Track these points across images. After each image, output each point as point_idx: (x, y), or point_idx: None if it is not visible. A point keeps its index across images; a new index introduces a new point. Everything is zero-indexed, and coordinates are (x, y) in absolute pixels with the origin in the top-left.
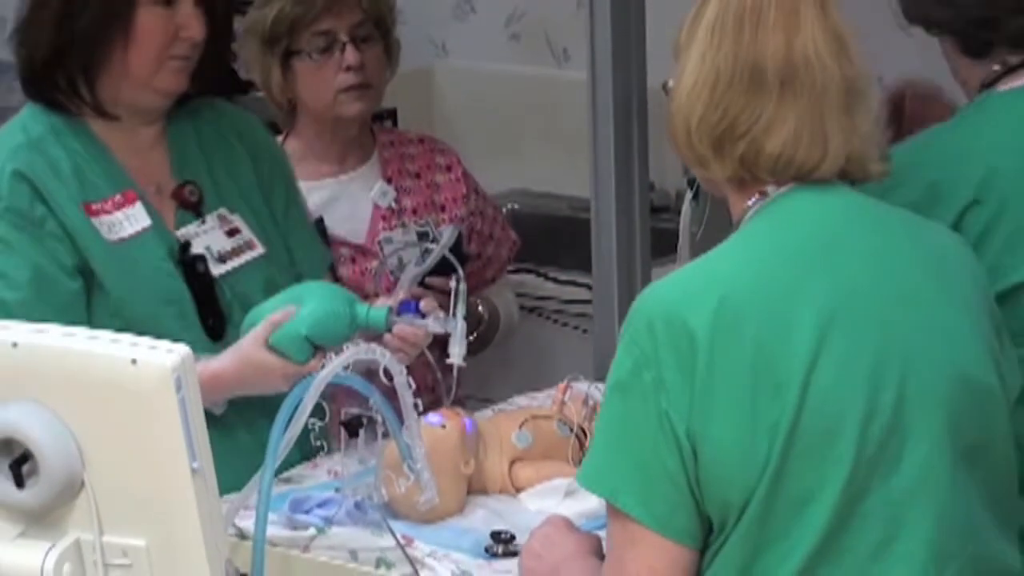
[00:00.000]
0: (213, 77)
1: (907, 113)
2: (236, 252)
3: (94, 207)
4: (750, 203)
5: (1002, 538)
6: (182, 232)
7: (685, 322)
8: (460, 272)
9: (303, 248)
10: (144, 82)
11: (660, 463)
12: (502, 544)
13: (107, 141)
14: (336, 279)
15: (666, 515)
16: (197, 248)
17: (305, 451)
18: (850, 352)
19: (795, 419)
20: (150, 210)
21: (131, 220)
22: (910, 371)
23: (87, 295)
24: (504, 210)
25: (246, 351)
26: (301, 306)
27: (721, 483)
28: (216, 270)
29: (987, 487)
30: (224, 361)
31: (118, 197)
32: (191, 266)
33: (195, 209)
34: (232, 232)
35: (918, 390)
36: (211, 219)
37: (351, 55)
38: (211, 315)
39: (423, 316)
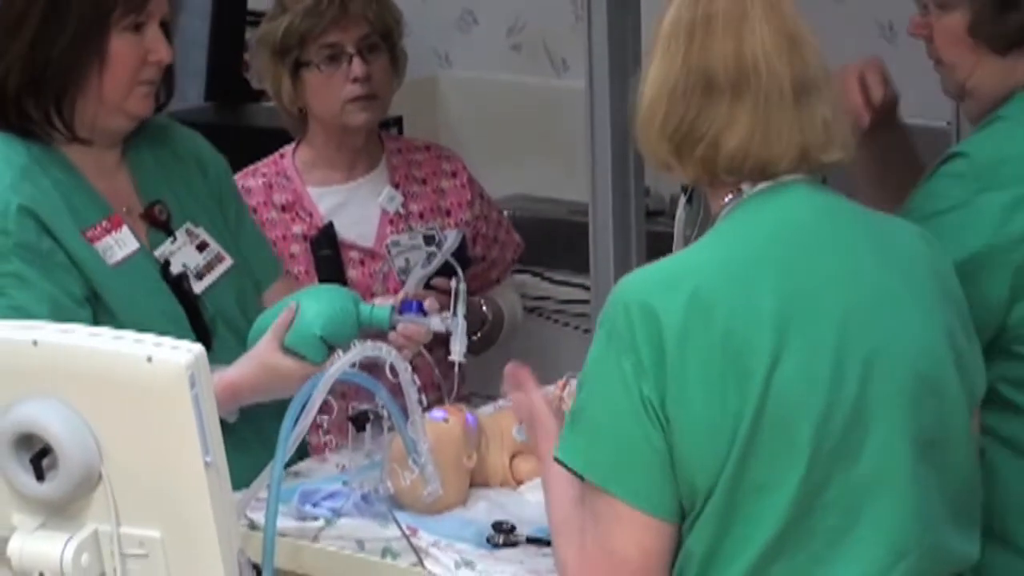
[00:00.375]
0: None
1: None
2: (209, 267)
3: (88, 234)
4: (725, 201)
5: (959, 532)
6: (159, 252)
7: (659, 311)
8: (460, 274)
9: (255, 253)
10: (117, 107)
11: (645, 443)
12: (503, 534)
13: (80, 167)
14: (347, 281)
15: (652, 494)
16: (175, 266)
17: (300, 450)
18: (813, 346)
19: (759, 408)
20: (133, 233)
21: (120, 244)
22: (872, 366)
23: (95, 321)
24: (505, 214)
25: (263, 357)
26: (307, 306)
27: (690, 467)
28: (197, 287)
29: (946, 482)
30: (241, 369)
31: (105, 223)
32: (177, 285)
33: (165, 227)
34: (201, 246)
35: (879, 385)
36: (181, 235)
37: (358, 67)
38: (198, 330)
39: (425, 315)
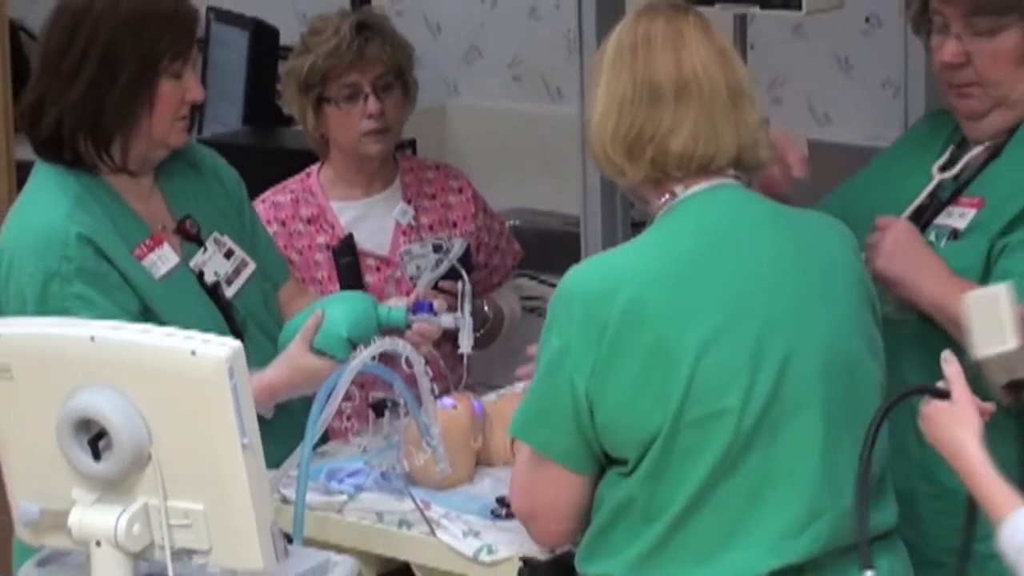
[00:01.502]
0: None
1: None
2: (236, 272)
3: (136, 253)
4: (661, 202)
5: (872, 500)
6: (193, 263)
7: (598, 310)
8: (465, 277)
9: (269, 256)
10: (161, 141)
11: (563, 411)
12: (506, 508)
13: (122, 192)
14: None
15: (572, 453)
16: (208, 275)
17: (325, 434)
18: (734, 339)
19: (684, 396)
20: (171, 248)
21: (163, 260)
22: (789, 354)
23: None
24: (506, 225)
25: (295, 359)
26: (332, 311)
27: (618, 438)
28: (228, 292)
29: (855, 452)
30: (276, 371)
31: (148, 241)
32: (213, 291)
33: (196, 239)
34: (228, 254)
35: (797, 370)
36: (210, 245)
37: (373, 105)
38: (233, 330)
39: (435, 314)
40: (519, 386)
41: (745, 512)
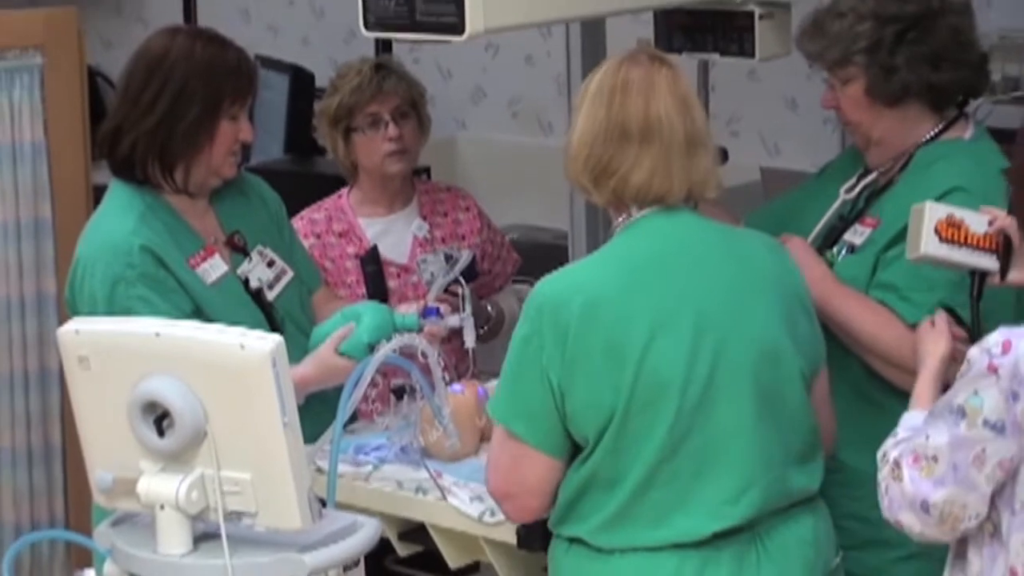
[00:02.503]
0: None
1: None
2: (277, 279)
3: (191, 262)
4: (619, 220)
5: (791, 467)
6: (240, 271)
7: (561, 315)
8: (464, 284)
9: (304, 266)
10: (216, 171)
11: (541, 402)
12: None
13: (180, 210)
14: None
15: (544, 436)
16: (253, 281)
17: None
18: (674, 337)
19: (633, 383)
20: (222, 258)
21: (214, 268)
22: (721, 349)
23: None
24: (507, 238)
25: (324, 359)
26: (361, 319)
27: (582, 422)
28: (269, 295)
29: (782, 430)
30: (307, 368)
31: (202, 252)
32: (257, 295)
33: (243, 251)
34: (270, 263)
35: (728, 363)
36: (255, 256)
37: (392, 130)
38: (274, 328)
39: (442, 317)
40: None
41: (691, 483)
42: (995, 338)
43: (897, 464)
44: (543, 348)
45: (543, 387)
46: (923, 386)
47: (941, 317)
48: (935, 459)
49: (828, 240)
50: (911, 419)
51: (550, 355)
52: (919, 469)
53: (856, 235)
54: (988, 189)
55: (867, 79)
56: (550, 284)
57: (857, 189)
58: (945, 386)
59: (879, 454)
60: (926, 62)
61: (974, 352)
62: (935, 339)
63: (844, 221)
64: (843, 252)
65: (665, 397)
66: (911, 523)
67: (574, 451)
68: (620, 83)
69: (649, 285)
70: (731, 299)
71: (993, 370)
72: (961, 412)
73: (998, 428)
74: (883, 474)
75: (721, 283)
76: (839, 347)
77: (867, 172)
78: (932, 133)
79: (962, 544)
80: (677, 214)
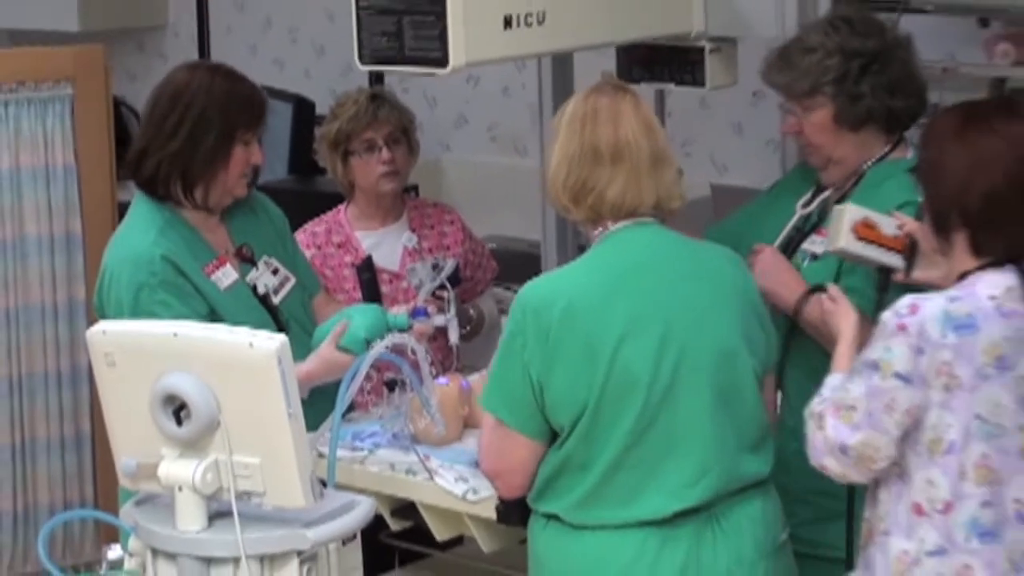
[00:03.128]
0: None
1: None
2: (281, 285)
3: (206, 270)
4: (596, 234)
5: (745, 454)
6: (248, 278)
7: (543, 316)
8: (450, 289)
9: (305, 273)
10: (229, 191)
11: (523, 392)
12: None
13: (195, 224)
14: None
15: (526, 422)
16: (260, 287)
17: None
18: (643, 338)
19: (606, 379)
20: (233, 267)
21: (226, 276)
22: (684, 350)
23: None
24: (487, 247)
25: (324, 356)
26: (355, 319)
27: (559, 411)
28: (275, 299)
29: (736, 423)
30: (310, 364)
31: (216, 262)
32: (264, 300)
33: (251, 261)
34: (275, 272)
35: (690, 363)
36: (261, 265)
37: (385, 154)
38: (279, 328)
39: (429, 316)
40: None
41: (655, 467)
42: (904, 301)
43: (821, 416)
44: (526, 345)
45: (525, 380)
46: (842, 353)
47: (838, 294)
48: (853, 408)
49: (787, 250)
50: (833, 380)
51: (532, 351)
52: (839, 418)
53: (815, 245)
54: None
55: (835, 107)
56: (534, 288)
57: (814, 204)
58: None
59: (806, 412)
60: (885, 91)
61: (887, 315)
62: (843, 313)
63: (801, 233)
64: (806, 260)
65: (633, 392)
66: (833, 466)
67: (554, 436)
68: (590, 111)
69: (622, 292)
70: (694, 306)
71: (902, 328)
72: (875, 366)
73: (906, 379)
74: (810, 427)
75: (686, 291)
76: (812, 342)
77: (821, 189)
78: (881, 154)
79: (875, 486)
80: (647, 228)
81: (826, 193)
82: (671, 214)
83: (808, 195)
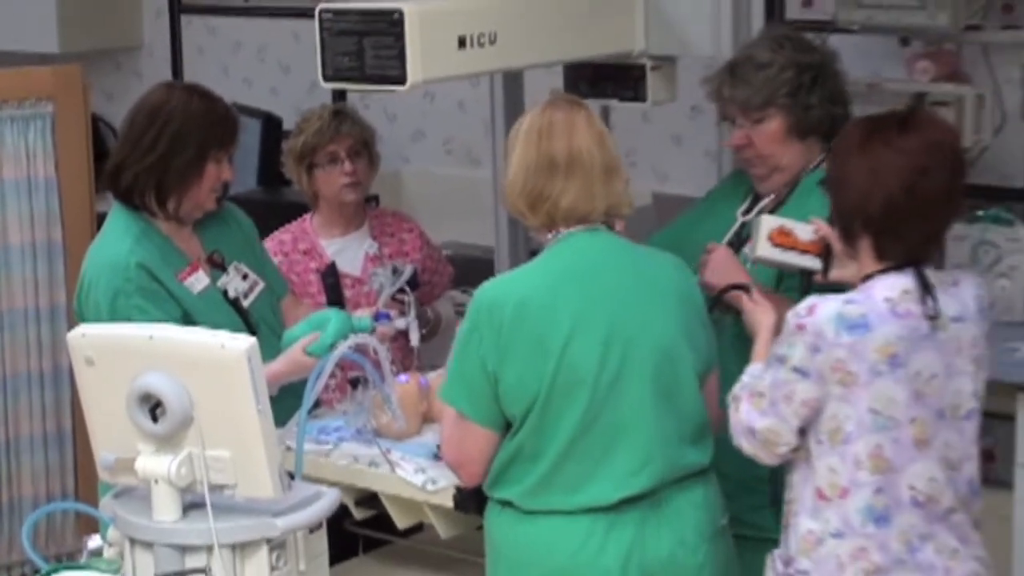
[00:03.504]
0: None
1: None
2: (251, 289)
3: (179, 276)
4: (548, 238)
5: (686, 445)
6: (220, 283)
7: (497, 313)
8: (410, 293)
9: (274, 277)
10: (200, 204)
11: (480, 385)
12: None
13: (169, 233)
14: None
15: (483, 413)
16: (231, 292)
17: (316, 402)
18: (590, 335)
19: (554, 373)
20: (205, 273)
21: (199, 281)
22: (628, 347)
23: None
24: (443, 253)
25: (293, 358)
26: (323, 326)
27: (512, 402)
28: (245, 303)
29: (678, 416)
30: (279, 364)
31: (188, 268)
32: (234, 303)
33: (221, 267)
34: (244, 276)
35: (634, 360)
36: (232, 271)
37: (347, 166)
38: (249, 330)
39: (391, 319)
40: None
41: (602, 457)
42: (804, 303)
43: (737, 399)
44: (481, 341)
45: (481, 372)
46: (761, 346)
47: (758, 293)
48: (762, 395)
49: None
50: (752, 368)
51: (487, 347)
52: (752, 403)
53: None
54: None
55: (788, 117)
56: (489, 288)
57: (753, 213)
58: None
59: (729, 396)
60: (830, 101)
61: (789, 315)
62: (762, 311)
63: (740, 239)
64: (747, 263)
65: (580, 386)
66: (746, 447)
67: (509, 427)
68: (546, 124)
69: (571, 292)
70: (639, 307)
71: (801, 328)
72: (781, 360)
73: (804, 373)
74: (730, 409)
75: (631, 293)
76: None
77: (759, 197)
78: (817, 161)
79: (789, 471)
80: (596, 234)
81: (764, 201)
82: (621, 220)
83: (747, 203)
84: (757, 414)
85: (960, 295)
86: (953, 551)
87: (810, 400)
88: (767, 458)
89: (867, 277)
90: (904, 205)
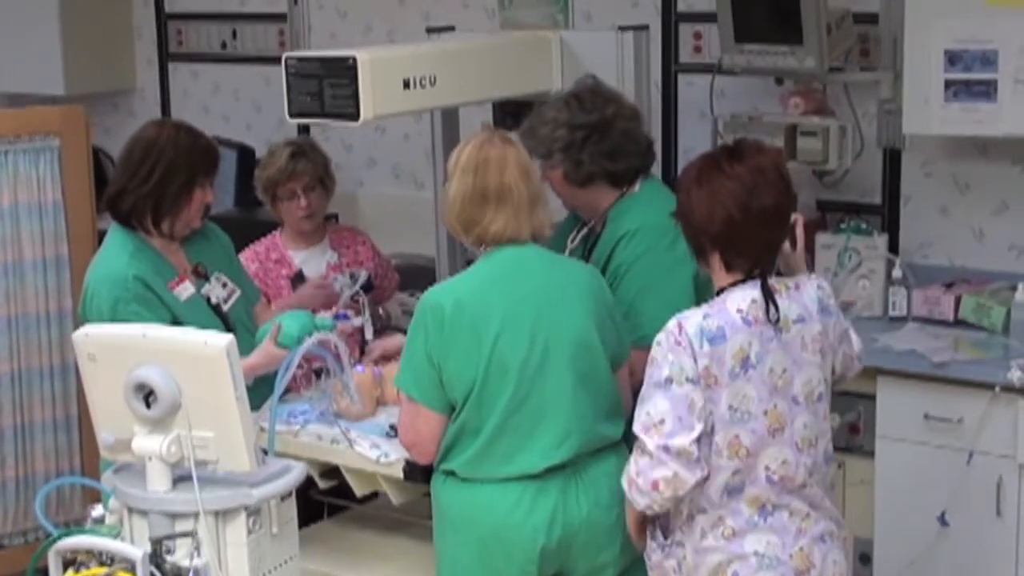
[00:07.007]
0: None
1: None
2: (229, 296)
3: (169, 286)
4: (482, 249)
5: (601, 421)
6: (203, 291)
7: (439, 311)
8: (363, 297)
9: (248, 287)
10: (189, 224)
11: (428, 374)
12: (394, 430)
13: (160, 249)
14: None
15: (431, 397)
16: (213, 298)
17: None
18: (517, 328)
19: (488, 361)
20: (191, 283)
21: (185, 290)
22: (549, 339)
23: None
24: (392, 262)
25: (266, 350)
26: (289, 322)
27: (453, 388)
28: (224, 307)
29: (593, 396)
30: (253, 358)
31: (177, 279)
32: (216, 308)
33: (204, 277)
34: (224, 285)
35: (555, 349)
36: (213, 280)
37: (303, 201)
38: (229, 330)
39: (349, 319)
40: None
41: (529, 433)
42: (671, 323)
43: (640, 446)
44: (427, 335)
45: (428, 363)
46: None
47: None
48: (662, 422)
49: None
50: (638, 416)
51: (432, 340)
52: (654, 436)
53: None
54: (658, 218)
55: (564, 168)
56: (432, 293)
57: (577, 239)
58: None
59: (624, 478)
60: (606, 157)
61: (660, 336)
62: None
63: (584, 248)
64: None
65: (510, 372)
66: (664, 476)
67: (453, 410)
68: (482, 160)
69: (501, 294)
70: (558, 305)
71: (680, 343)
72: (668, 380)
73: (694, 381)
74: (629, 467)
75: (551, 294)
76: None
77: (583, 226)
78: (614, 199)
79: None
80: (524, 246)
81: (584, 230)
82: (542, 240)
83: (575, 232)
84: (664, 438)
85: (801, 298)
86: (805, 515)
87: (704, 402)
88: (687, 471)
89: (720, 291)
90: (741, 221)
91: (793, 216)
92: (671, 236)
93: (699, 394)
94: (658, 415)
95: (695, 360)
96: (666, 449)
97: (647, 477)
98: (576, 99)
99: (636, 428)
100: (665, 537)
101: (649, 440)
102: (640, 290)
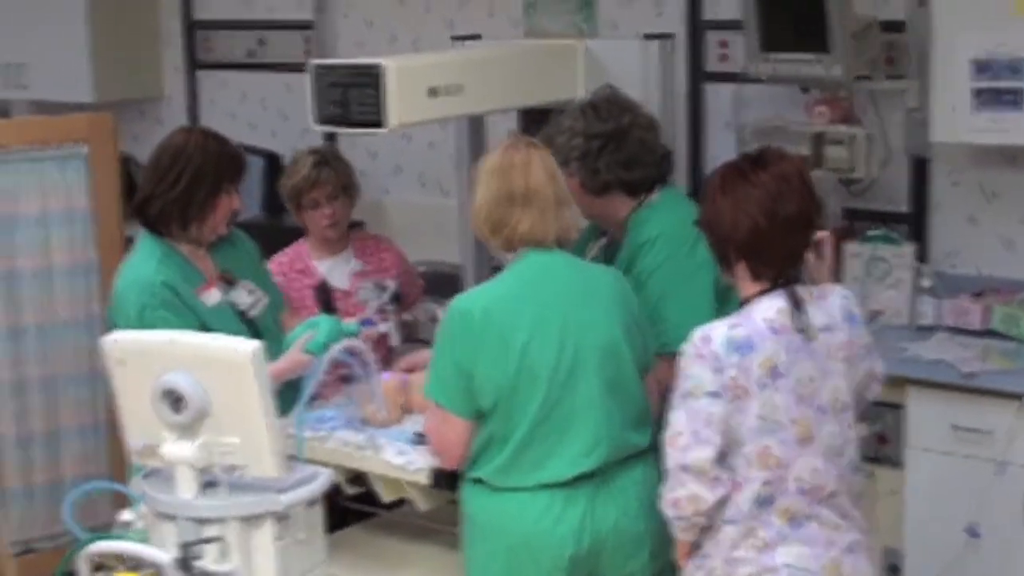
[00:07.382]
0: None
1: None
2: (256, 303)
3: (196, 291)
4: (509, 257)
5: (629, 429)
6: (230, 298)
7: (468, 319)
8: (391, 304)
9: (274, 294)
10: (215, 230)
11: (456, 381)
12: (421, 437)
13: (187, 255)
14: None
15: (458, 404)
16: (239, 305)
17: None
18: (546, 335)
19: (518, 368)
20: (218, 289)
21: (212, 296)
22: (579, 344)
23: None
24: (418, 269)
25: (293, 356)
26: (318, 329)
27: (482, 395)
28: (251, 314)
29: (622, 404)
30: (281, 364)
31: (204, 285)
32: (243, 315)
33: (231, 283)
34: (251, 292)
35: (583, 357)
36: (240, 286)
37: (327, 210)
38: (255, 338)
39: (375, 325)
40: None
41: (559, 440)
42: (696, 334)
43: (665, 461)
44: (455, 343)
45: (456, 371)
46: None
47: None
48: (679, 435)
49: None
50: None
51: (460, 348)
52: (674, 449)
53: None
54: (678, 225)
55: (580, 177)
56: (462, 299)
57: (596, 250)
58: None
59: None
60: (621, 166)
61: (686, 347)
62: None
63: (605, 255)
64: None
65: (539, 379)
66: (690, 495)
67: (480, 416)
68: (507, 163)
69: (529, 301)
70: (585, 312)
71: (702, 356)
72: (688, 393)
73: (715, 394)
74: (666, 495)
75: (578, 301)
76: None
77: (603, 235)
78: (632, 207)
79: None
80: (549, 253)
81: (604, 240)
82: (568, 244)
83: (595, 241)
84: (681, 453)
85: (827, 307)
86: (836, 525)
87: (725, 416)
88: (706, 490)
89: (746, 300)
90: (767, 229)
91: (821, 233)
92: (691, 242)
93: (719, 407)
94: (677, 428)
95: (719, 372)
96: (684, 468)
97: (670, 495)
98: (592, 108)
99: (663, 439)
100: (695, 549)
101: (670, 456)
102: (662, 297)
